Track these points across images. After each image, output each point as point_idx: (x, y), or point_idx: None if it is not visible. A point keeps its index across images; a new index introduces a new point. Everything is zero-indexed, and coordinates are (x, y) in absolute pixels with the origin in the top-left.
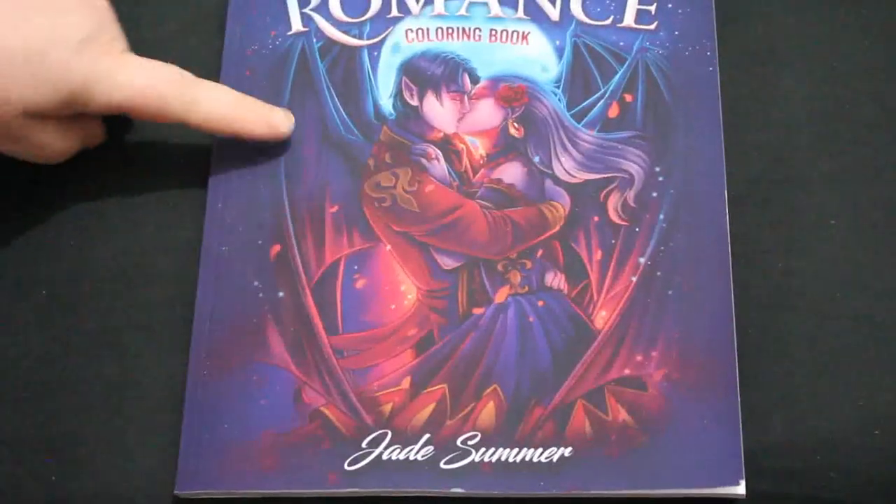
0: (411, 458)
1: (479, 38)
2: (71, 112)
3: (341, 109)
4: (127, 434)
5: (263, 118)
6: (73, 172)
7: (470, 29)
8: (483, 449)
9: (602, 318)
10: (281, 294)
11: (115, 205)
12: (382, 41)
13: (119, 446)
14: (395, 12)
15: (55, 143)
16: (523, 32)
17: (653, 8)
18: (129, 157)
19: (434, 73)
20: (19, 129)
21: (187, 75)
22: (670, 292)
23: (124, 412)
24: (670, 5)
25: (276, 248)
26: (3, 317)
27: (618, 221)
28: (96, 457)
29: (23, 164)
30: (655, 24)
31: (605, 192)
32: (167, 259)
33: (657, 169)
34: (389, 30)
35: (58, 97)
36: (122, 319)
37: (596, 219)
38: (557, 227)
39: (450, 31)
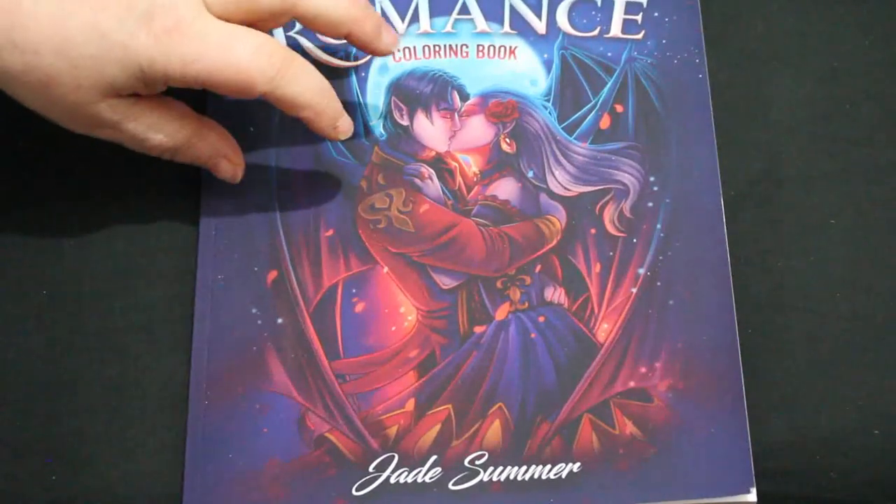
0: (419, 480)
1: (467, 55)
2: (153, 89)
3: None
4: (127, 434)
5: (334, 118)
6: (74, 172)
7: (457, 45)
8: (491, 468)
9: (604, 330)
10: (280, 320)
11: (115, 205)
12: (370, 62)
13: (119, 446)
14: None
15: (156, 132)
16: (510, 47)
17: (639, 17)
18: (131, 156)
19: (423, 92)
20: (105, 112)
21: (276, 49)
22: (671, 302)
23: (125, 412)
24: (656, 14)
25: (273, 274)
26: (3, 317)
27: (615, 233)
28: (97, 457)
29: (22, 164)
30: (643, 33)
31: (600, 204)
32: (167, 259)
33: (652, 179)
34: None
35: (128, 73)
36: (122, 319)
37: (593, 231)
38: (555, 242)
39: (437, 48)
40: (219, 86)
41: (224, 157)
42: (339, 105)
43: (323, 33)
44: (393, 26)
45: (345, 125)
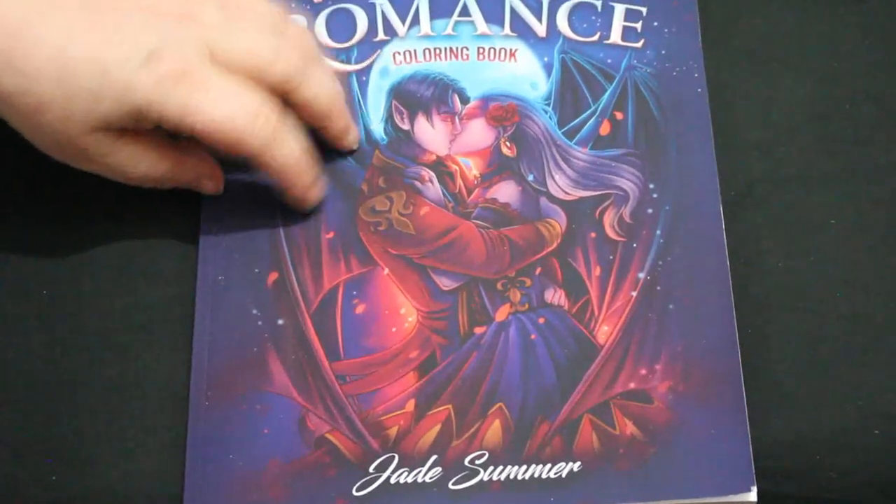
0: (419, 480)
1: (467, 58)
2: (142, 127)
3: None
4: (127, 434)
5: (307, 187)
6: (74, 172)
7: (457, 48)
8: (491, 468)
9: (604, 332)
10: (280, 322)
11: (116, 205)
12: (371, 65)
13: (119, 446)
14: (381, 35)
15: (137, 166)
16: (511, 50)
17: (639, 25)
18: None
19: (424, 96)
20: (92, 146)
21: (273, 111)
22: (671, 306)
23: (125, 412)
24: (656, 23)
25: (274, 275)
26: (3, 317)
27: (615, 237)
28: (97, 457)
29: (22, 164)
30: (642, 41)
31: (600, 208)
32: (167, 259)
33: (651, 186)
34: (377, 53)
35: (123, 111)
36: (122, 320)
37: (593, 235)
38: (555, 245)
39: (437, 51)
40: (211, 140)
41: (205, 177)
42: (312, 173)
43: (302, 119)
44: (394, 30)
45: (315, 192)
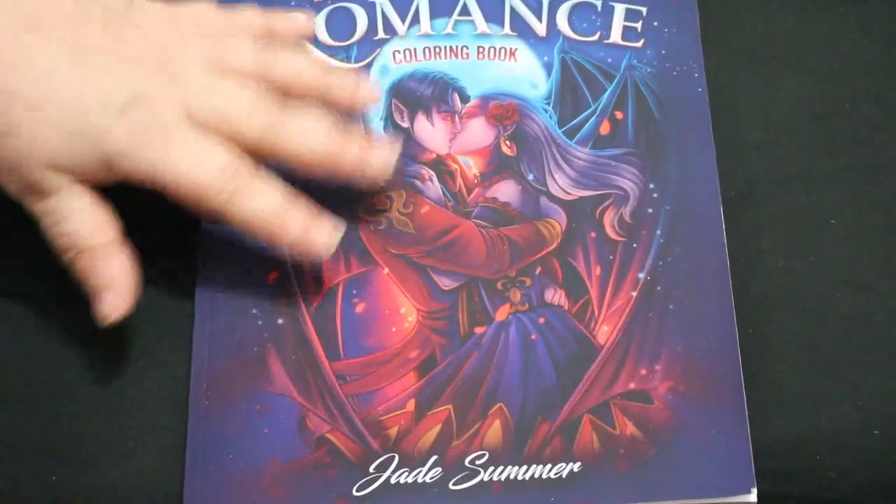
0: (420, 480)
1: (467, 57)
2: (106, 179)
3: None
4: (127, 434)
5: (305, 233)
6: None
7: (457, 47)
8: (491, 468)
9: (604, 333)
10: (280, 321)
11: (115, 205)
12: (370, 64)
13: (119, 446)
14: (381, 34)
15: (71, 221)
16: (511, 49)
17: (639, 25)
18: None
19: (423, 94)
20: (44, 181)
21: (240, 167)
22: (671, 306)
23: (125, 412)
24: (656, 23)
25: (274, 274)
26: (4, 317)
27: (615, 237)
28: (97, 457)
29: None
30: (642, 41)
31: (600, 208)
32: (167, 259)
33: (651, 186)
34: (377, 52)
35: (94, 157)
36: (122, 319)
37: (593, 235)
38: (555, 244)
39: (437, 50)
40: (174, 195)
41: (112, 290)
42: (308, 215)
43: (302, 174)
44: (394, 28)
45: (321, 235)
